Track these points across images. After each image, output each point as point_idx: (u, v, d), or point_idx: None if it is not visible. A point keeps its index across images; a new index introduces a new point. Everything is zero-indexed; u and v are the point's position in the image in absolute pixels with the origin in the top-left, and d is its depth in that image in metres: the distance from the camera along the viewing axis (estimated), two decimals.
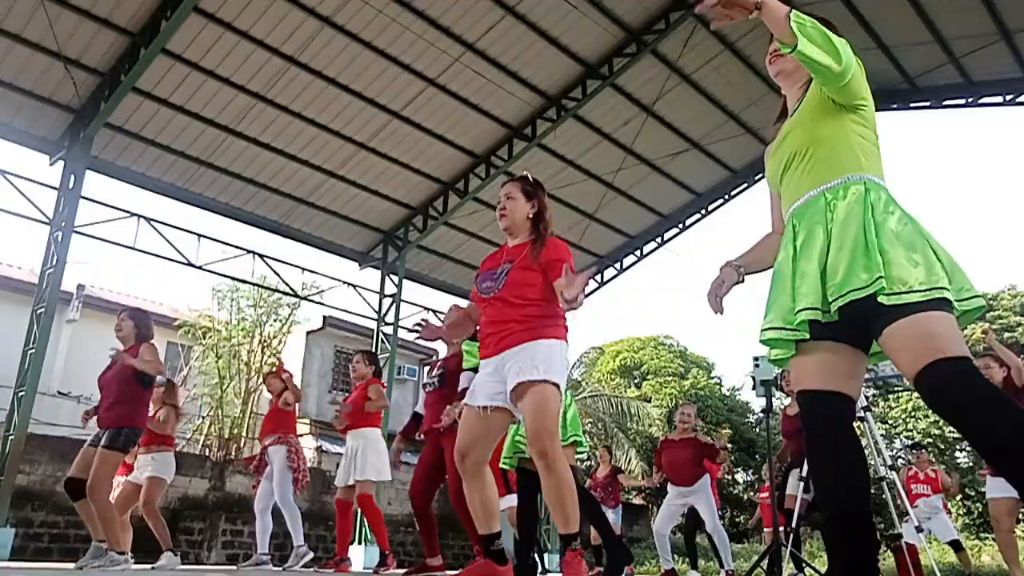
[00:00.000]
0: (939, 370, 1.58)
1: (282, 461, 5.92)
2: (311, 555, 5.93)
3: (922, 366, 1.59)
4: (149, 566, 5.67)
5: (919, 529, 5.56)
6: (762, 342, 1.85)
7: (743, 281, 2.09)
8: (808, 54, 1.70)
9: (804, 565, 5.65)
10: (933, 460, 8.17)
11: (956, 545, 8.32)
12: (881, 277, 1.63)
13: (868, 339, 1.80)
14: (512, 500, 7.22)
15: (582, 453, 4.63)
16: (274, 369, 6.49)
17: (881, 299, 1.62)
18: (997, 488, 5.05)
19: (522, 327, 2.86)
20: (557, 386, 2.80)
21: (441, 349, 5.26)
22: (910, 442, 8.88)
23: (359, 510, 5.99)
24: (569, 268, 2.71)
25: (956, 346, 1.59)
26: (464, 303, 5.14)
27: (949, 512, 7.93)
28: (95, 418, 5.05)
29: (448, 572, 4.82)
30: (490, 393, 2.90)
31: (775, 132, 2.09)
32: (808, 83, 1.99)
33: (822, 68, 1.74)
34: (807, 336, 1.76)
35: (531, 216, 3.06)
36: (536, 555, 4.95)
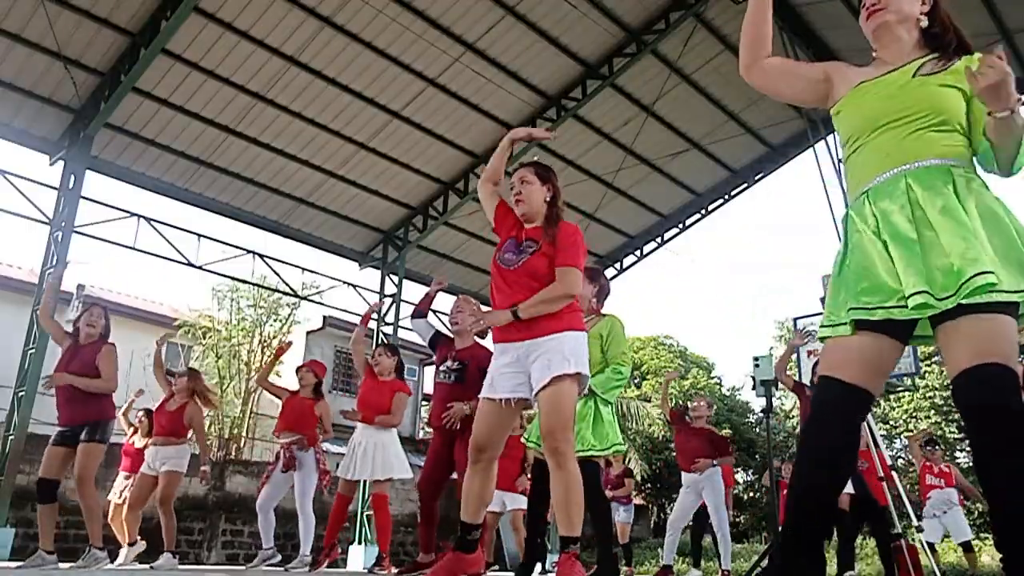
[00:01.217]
0: (992, 372, 1.57)
1: (312, 467, 5.89)
2: (309, 568, 5.93)
3: (978, 363, 1.58)
4: (147, 565, 5.67)
5: (919, 529, 5.55)
6: (914, 308, 1.65)
7: None
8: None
9: None
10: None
11: (967, 546, 8.26)
12: None
13: (913, 331, 1.78)
14: (521, 502, 7.22)
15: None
16: (306, 363, 6.45)
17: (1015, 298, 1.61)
18: None
19: (548, 315, 2.84)
20: (583, 377, 2.82)
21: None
22: (926, 437, 8.82)
23: (356, 509, 5.98)
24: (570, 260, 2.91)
25: (1015, 360, 1.61)
26: (478, 305, 5.11)
27: (967, 510, 7.88)
28: (59, 415, 5.03)
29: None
30: (511, 385, 2.86)
31: (859, 71, 1.99)
32: (923, 43, 1.93)
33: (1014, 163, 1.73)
34: (950, 305, 1.63)
35: (547, 200, 3.06)
36: (544, 540, 4.93)
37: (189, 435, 6.10)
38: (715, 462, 6.69)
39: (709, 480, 6.66)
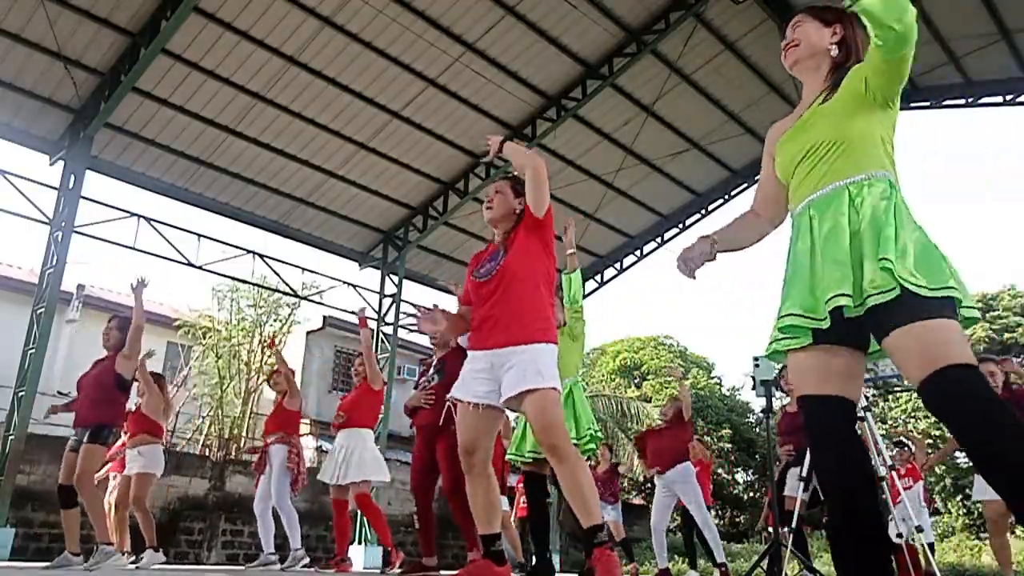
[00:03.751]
0: (949, 376, 1.59)
1: (281, 462, 5.89)
2: (307, 559, 5.93)
3: (933, 370, 1.60)
4: (132, 565, 5.67)
5: (919, 529, 5.55)
6: (780, 328, 1.81)
7: (714, 258, 2.06)
8: (867, 7, 1.66)
9: (806, 565, 5.65)
10: (914, 454, 8.30)
11: (931, 548, 8.29)
12: (914, 275, 1.64)
13: (868, 339, 1.81)
14: (504, 504, 7.23)
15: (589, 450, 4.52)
16: (275, 368, 6.49)
17: (909, 288, 1.63)
18: (992, 490, 4.96)
19: (520, 325, 2.84)
20: (557, 391, 2.81)
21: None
22: (896, 439, 8.92)
23: (356, 510, 6.00)
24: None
25: (966, 354, 1.62)
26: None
27: (936, 510, 7.92)
28: (74, 419, 5.15)
29: (444, 572, 4.81)
30: (480, 392, 2.86)
31: (789, 119, 2.07)
32: (831, 74, 1.98)
33: (883, 25, 1.67)
34: (827, 325, 1.73)
35: (516, 211, 3.07)
36: (551, 557, 4.95)
37: (163, 434, 6.20)
38: (688, 457, 6.68)
39: (680, 478, 6.61)
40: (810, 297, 1.76)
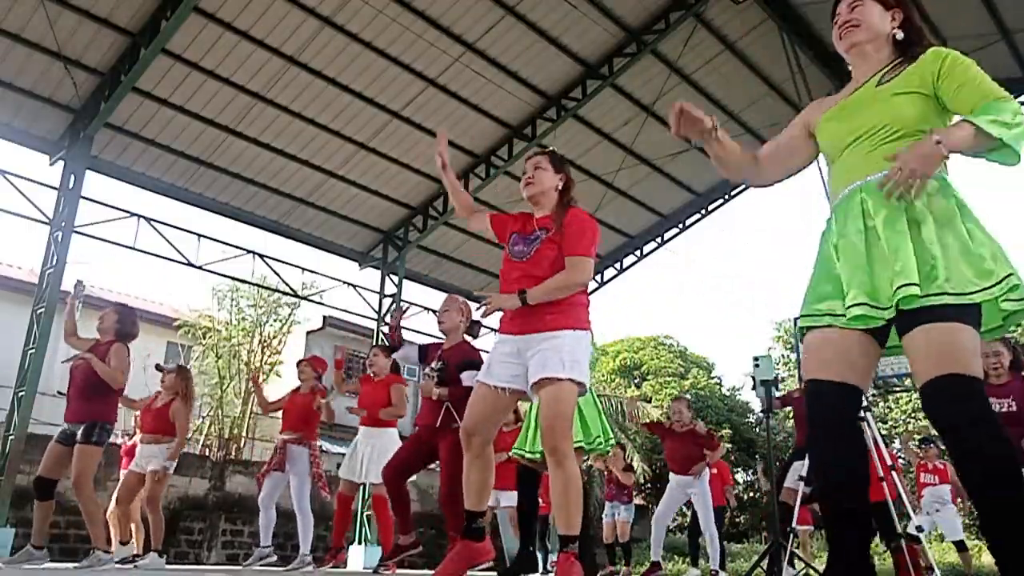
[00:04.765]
0: (950, 383, 1.61)
1: (306, 466, 5.86)
2: (313, 566, 5.93)
3: (937, 375, 1.62)
4: (131, 564, 5.65)
5: (920, 529, 5.55)
6: (851, 319, 1.72)
7: (711, 134, 1.98)
8: (1016, 148, 1.69)
9: (805, 564, 5.65)
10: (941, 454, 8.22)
11: (960, 545, 8.28)
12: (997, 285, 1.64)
13: (888, 334, 1.80)
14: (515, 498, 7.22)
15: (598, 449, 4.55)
16: (303, 359, 6.49)
17: (946, 298, 1.63)
18: None
19: (551, 310, 2.83)
20: (580, 384, 2.79)
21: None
22: (920, 436, 8.87)
23: (357, 509, 5.99)
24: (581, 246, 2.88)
25: (973, 365, 1.63)
26: (464, 302, 5.07)
27: (936, 509, 7.94)
28: (65, 411, 5.05)
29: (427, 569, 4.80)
30: (507, 375, 2.86)
31: (832, 99, 2.01)
32: (893, 56, 1.94)
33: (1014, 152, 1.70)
34: (891, 315, 1.68)
35: (558, 188, 3.06)
36: (536, 551, 4.95)
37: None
38: (707, 460, 6.80)
39: (700, 488, 6.73)
40: (869, 284, 1.71)
